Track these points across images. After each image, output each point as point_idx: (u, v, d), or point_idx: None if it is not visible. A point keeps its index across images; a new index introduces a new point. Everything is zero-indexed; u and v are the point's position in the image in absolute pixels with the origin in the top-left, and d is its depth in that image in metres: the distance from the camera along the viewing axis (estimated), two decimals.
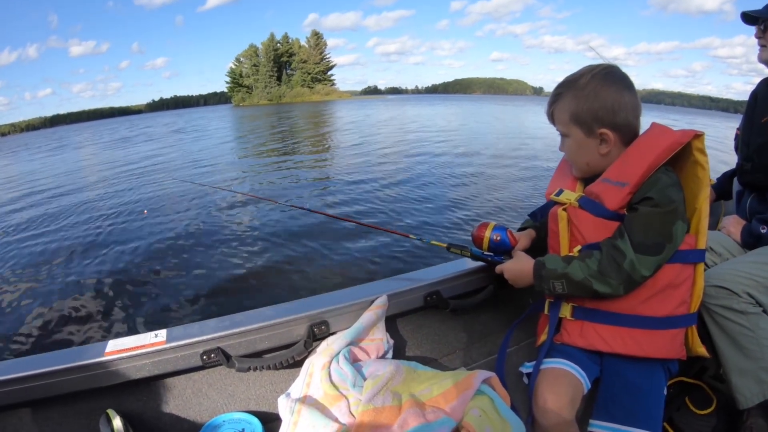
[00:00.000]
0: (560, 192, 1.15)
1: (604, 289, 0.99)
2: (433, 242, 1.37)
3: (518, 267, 1.16)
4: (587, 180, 1.13)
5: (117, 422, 0.99)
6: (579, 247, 1.06)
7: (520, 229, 1.35)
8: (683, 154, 1.01)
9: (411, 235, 1.47)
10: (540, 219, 1.33)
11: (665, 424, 1.20)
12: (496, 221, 1.29)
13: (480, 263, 1.34)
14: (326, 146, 14.11)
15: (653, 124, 1.05)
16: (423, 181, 8.14)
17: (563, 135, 1.11)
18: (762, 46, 1.37)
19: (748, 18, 1.38)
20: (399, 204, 6.57)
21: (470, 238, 1.32)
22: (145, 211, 6.21)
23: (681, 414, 1.25)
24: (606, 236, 1.02)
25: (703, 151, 1.01)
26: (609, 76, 1.03)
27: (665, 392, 1.07)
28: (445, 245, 1.33)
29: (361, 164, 9.98)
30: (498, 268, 1.23)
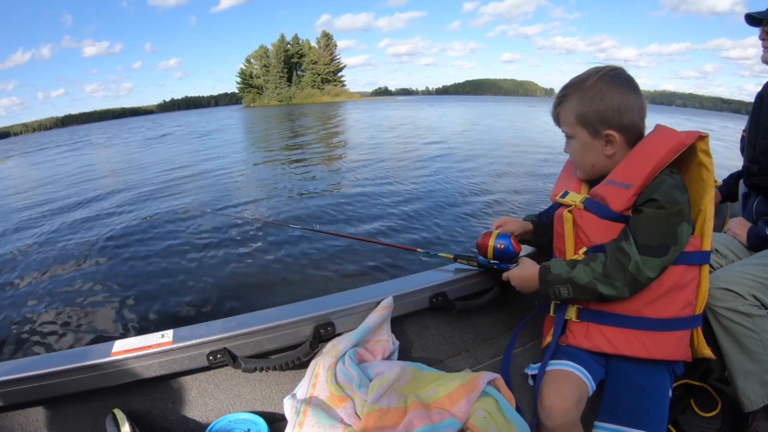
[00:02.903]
0: (566, 194, 1.15)
1: (610, 292, 0.99)
2: (441, 254, 1.41)
3: (524, 274, 1.17)
4: (592, 182, 1.13)
5: (123, 422, 1.00)
6: (584, 249, 1.07)
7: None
8: (688, 155, 1.01)
9: (419, 249, 1.52)
10: (545, 220, 1.33)
11: (670, 426, 1.20)
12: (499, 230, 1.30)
13: None
14: (340, 154, 14.12)
15: (658, 126, 1.05)
16: (434, 188, 8.12)
17: (568, 136, 1.11)
18: (766, 47, 1.37)
19: (752, 19, 1.38)
20: (408, 214, 6.54)
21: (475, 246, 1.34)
22: (148, 218, 6.13)
23: (686, 416, 1.24)
24: (611, 238, 1.02)
25: (707, 153, 1.01)
26: (615, 78, 1.03)
27: (670, 394, 1.07)
28: (452, 256, 1.37)
29: (370, 173, 10.00)
30: (504, 276, 1.24)
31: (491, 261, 1.30)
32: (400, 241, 5.09)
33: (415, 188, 8.11)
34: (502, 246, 1.26)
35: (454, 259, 1.37)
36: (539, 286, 1.10)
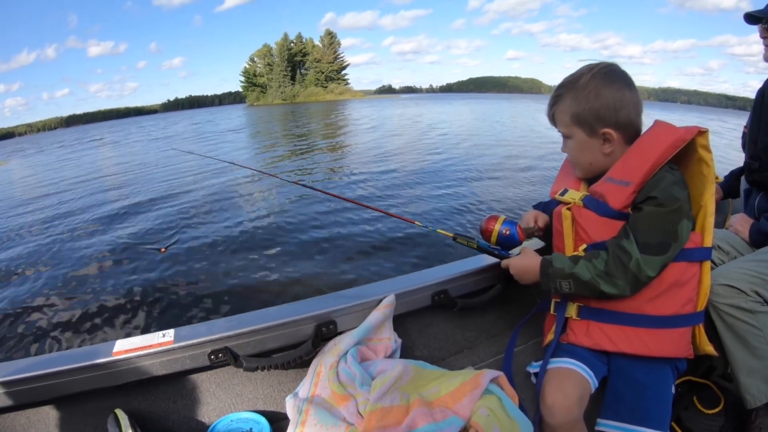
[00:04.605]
0: (565, 191, 1.15)
1: (611, 290, 0.98)
2: (440, 231, 1.35)
3: (524, 263, 1.15)
4: (591, 179, 1.12)
5: (125, 422, 1.00)
6: (584, 246, 1.06)
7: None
8: (688, 151, 1.01)
9: (418, 222, 1.44)
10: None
11: (673, 423, 1.19)
12: (506, 216, 1.27)
13: (487, 262, 1.34)
14: (346, 141, 14.36)
15: (656, 122, 1.04)
16: (438, 176, 8.44)
17: (565, 136, 1.11)
18: (766, 45, 1.37)
19: (751, 18, 1.38)
20: (411, 195, 6.78)
21: (478, 231, 1.31)
22: (163, 249, 5.90)
23: (689, 413, 1.24)
24: (611, 235, 1.02)
25: (707, 148, 1.00)
26: (609, 75, 1.02)
27: (673, 391, 1.06)
28: (451, 235, 1.30)
29: (379, 157, 10.23)
30: (504, 263, 1.22)
31: (492, 246, 1.27)
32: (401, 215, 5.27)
33: (424, 174, 8.46)
34: (508, 232, 1.23)
35: (454, 238, 1.29)
36: (540, 279, 1.09)
